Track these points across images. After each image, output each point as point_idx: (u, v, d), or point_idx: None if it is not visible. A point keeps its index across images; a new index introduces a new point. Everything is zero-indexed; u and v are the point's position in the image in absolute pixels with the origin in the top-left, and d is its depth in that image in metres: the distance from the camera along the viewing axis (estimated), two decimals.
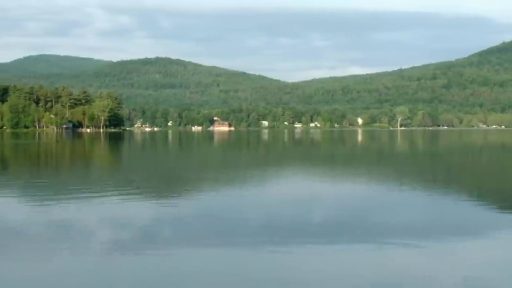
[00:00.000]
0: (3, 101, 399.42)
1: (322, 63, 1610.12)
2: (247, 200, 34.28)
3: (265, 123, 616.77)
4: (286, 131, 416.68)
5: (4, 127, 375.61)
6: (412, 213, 28.83)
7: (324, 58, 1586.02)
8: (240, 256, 19.77)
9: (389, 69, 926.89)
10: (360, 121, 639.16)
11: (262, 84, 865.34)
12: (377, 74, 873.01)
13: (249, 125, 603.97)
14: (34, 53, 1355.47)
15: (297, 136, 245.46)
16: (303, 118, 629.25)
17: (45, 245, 21.17)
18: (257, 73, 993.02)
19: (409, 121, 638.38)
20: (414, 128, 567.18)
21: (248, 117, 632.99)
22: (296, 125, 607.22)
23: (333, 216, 28.23)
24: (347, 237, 22.80)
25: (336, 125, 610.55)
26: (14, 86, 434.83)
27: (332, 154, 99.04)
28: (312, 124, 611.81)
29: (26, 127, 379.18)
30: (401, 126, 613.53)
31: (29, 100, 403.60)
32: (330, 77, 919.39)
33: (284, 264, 18.60)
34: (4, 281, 16.70)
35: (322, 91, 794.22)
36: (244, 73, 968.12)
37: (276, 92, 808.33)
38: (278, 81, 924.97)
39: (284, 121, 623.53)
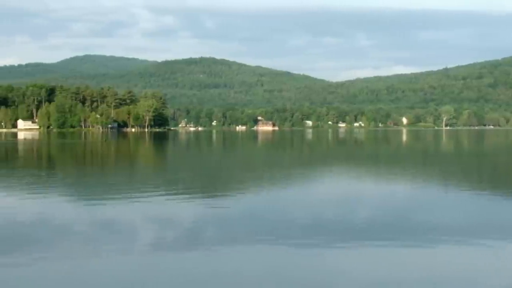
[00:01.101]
0: (50, 101, 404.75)
1: (366, 62, 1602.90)
2: (291, 200, 34.22)
3: (309, 122, 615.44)
4: (330, 130, 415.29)
5: (51, 127, 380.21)
6: (458, 213, 28.51)
7: (369, 57, 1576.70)
8: (283, 256, 19.71)
9: (435, 68, 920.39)
10: (404, 120, 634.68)
11: (306, 84, 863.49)
12: (422, 74, 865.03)
13: (293, 125, 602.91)
14: (80, 53, 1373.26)
15: (341, 135, 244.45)
16: (347, 118, 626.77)
17: (92, 244, 21.40)
18: (301, 73, 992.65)
19: (454, 120, 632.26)
20: (459, 128, 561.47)
21: (292, 116, 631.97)
22: (340, 125, 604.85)
23: (377, 216, 28.03)
24: (392, 237, 22.63)
25: (380, 125, 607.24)
26: (61, 86, 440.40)
27: (376, 154, 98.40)
28: (356, 124, 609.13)
29: (72, 126, 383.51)
30: (446, 125, 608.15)
31: (75, 100, 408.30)
32: (375, 77, 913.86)
33: (328, 265, 18.55)
34: (52, 279, 16.91)
35: (366, 91, 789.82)
36: (288, 73, 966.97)
37: (320, 92, 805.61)
38: (322, 80, 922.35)
39: (328, 121, 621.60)
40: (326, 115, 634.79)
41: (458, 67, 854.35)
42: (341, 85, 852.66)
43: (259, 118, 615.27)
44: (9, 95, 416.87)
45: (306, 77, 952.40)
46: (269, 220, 26.38)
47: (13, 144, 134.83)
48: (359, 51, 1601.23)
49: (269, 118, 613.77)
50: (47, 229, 24.37)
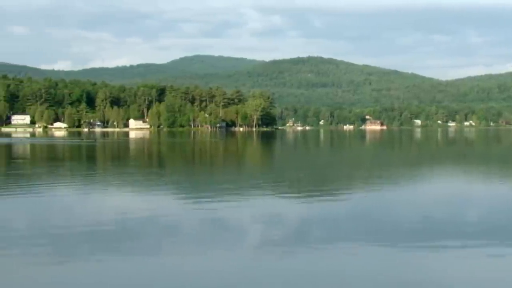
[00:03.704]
0: (160, 101, 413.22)
1: (477, 60, 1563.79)
2: (399, 200, 33.84)
3: (418, 121, 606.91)
4: (439, 130, 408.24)
5: (161, 126, 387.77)
6: None
7: (480, 55, 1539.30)
8: (389, 257, 19.47)
9: None
10: None
11: (415, 82, 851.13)
12: None
13: (401, 124, 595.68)
14: (190, 54, 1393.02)
15: (450, 135, 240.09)
16: (457, 117, 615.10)
17: (199, 242, 21.68)
18: (409, 71, 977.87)
19: None
20: None
21: (401, 115, 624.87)
22: (449, 124, 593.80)
23: (487, 218, 27.35)
24: (501, 241, 22.09)
25: (491, 124, 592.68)
26: (171, 86, 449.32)
27: (488, 154, 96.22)
28: (466, 123, 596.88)
29: (181, 126, 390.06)
30: None
31: (184, 99, 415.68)
32: (486, 74, 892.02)
33: (432, 267, 18.21)
34: (159, 274, 17.21)
35: (477, 89, 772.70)
36: (396, 72, 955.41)
37: (429, 90, 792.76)
38: (431, 79, 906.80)
39: (437, 120, 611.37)
40: (436, 114, 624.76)
41: None
42: (451, 83, 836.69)
43: (367, 117, 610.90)
44: (121, 95, 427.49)
45: (415, 76, 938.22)
46: (376, 220, 26.14)
47: (125, 143, 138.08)
48: (469, 48, 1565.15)
49: (377, 117, 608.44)
50: (156, 226, 24.82)
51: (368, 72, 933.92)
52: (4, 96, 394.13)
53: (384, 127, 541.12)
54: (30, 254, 19.53)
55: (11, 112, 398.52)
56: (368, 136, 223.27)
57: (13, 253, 19.61)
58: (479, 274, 17.43)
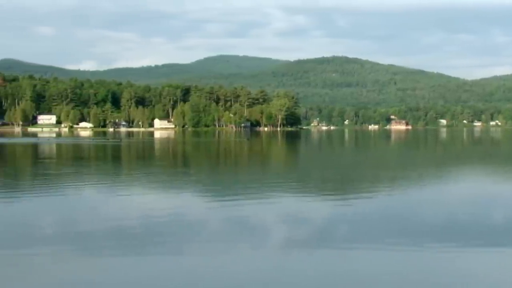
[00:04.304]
0: (185, 101, 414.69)
1: (503, 59, 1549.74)
2: (424, 199, 33.68)
3: (443, 121, 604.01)
4: (465, 129, 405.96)
5: (186, 126, 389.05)
6: None
7: (506, 54, 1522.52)
8: (414, 257, 19.42)
9: None
10: None
11: (440, 82, 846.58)
12: None
13: (426, 124, 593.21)
14: (214, 53, 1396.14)
15: (476, 134, 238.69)
16: (483, 117, 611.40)
17: (223, 241, 21.74)
18: (435, 71, 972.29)
19: None
20: None
21: (426, 115, 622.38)
22: (475, 124, 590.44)
23: None
24: None
25: None
26: (195, 86, 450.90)
27: None
28: (492, 123, 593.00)
29: (206, 125, 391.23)
30: None
31: (209, 99, 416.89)
32: None
33: (459, 268, 18.18)
34: (185, 275, 17.32)
35: (503, 88, 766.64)
36: (421, 71, 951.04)
37: (454, 90, 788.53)
38: (457, 78, 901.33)
39: (463, 120, 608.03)
40: (461, 113, 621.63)
41: None
42: (476, 83, 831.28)
43: (392, 117, 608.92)
44: (146, 95, 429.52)
45: (440, 75, 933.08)
46: (402, 220, 26.03)
47: (150, 143, 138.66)
48: (495, 47, 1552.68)
49: (402, 117, 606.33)
50: (181, 226, 24.90)
51: (393, 71, 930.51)
52: (30, 96, 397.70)
53: (409, 127, 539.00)
54: (58, 253, 19.71)
55: (37, 112, 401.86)
56: (393, 136, 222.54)
57: (42, 252, 19.80)
58: (508, 275, 17.35)
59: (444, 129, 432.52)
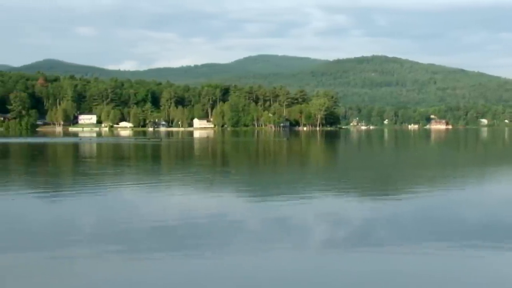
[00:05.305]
0: (224, 101, 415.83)
1: None
2: (464, 200, 33.53)
3: (484, 121, 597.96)
4: (506, 129, 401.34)
5: (225, 125, 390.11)
6: None
7: None
8: (453, 257, 19.40)
9: None
10: None
11: (481, 81, 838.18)
12: None
13: (467, 124, 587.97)
14: (253, 53, 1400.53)
15: None
16: None
17: (262, 241, 21.89)
18: (475, 70, 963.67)
19: None
20: None
21: (466, 115, 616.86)
22: None
23: None
24: None
25: None
26: (235, 86, 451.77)
27: None
28: None
29: (245, 125, 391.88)
30: None
31: (248, 99, 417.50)
32: None
33: (498, 269, 18.15)
34: (224, 274, 17.50)
35: None
36: (462, 70, 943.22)
37: (496, 89, 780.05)
38: (498, 77, 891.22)
39: (504, 119, 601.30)
40: (502, 113, 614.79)
41: None
42: None
43: (432, 116, 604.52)
44: (186, 95, 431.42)
45: (481, 74, 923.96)
46: (442, 220, 25.92)
47: (189, 142, 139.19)
48: None
49: (442, 116, 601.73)
50: (220, 225, 25.11)
51: (433, 71, 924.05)
52: (71, 96, 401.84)
53: (449, 127, 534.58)
54: (98, 253, 20.00)
55: (78, 112, 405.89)
56: (433, 136, 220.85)
57: (82, 253, 20.08)
58: None
59: (485, 129, 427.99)
